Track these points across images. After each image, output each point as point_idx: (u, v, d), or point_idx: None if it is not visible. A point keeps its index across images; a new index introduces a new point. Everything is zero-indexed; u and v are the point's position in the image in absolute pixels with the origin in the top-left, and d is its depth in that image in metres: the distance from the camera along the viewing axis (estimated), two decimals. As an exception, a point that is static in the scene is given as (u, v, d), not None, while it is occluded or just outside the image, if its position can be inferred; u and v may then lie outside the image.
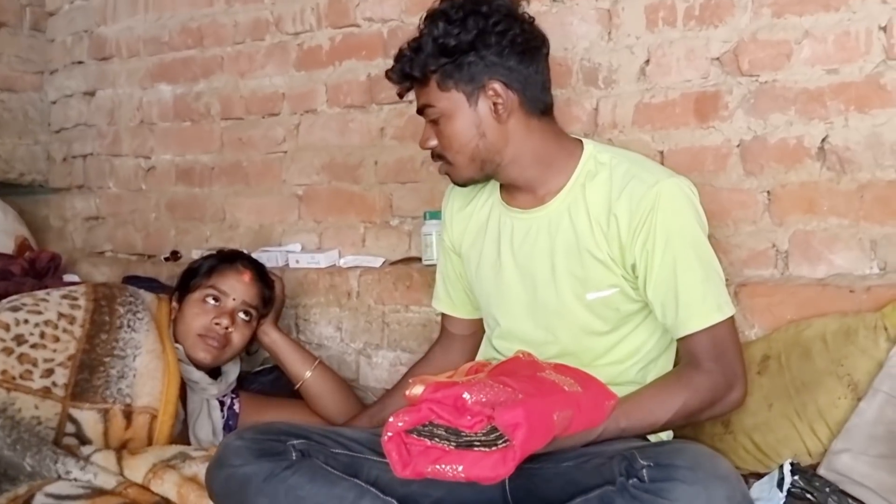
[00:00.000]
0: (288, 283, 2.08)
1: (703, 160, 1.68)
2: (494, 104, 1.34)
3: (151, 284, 2.19)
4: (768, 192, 1.63)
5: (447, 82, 1.33)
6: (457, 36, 1.31)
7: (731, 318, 1.32)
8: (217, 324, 1.69)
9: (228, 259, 1.79)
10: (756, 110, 1.63)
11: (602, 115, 1.79)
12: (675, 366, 1.42)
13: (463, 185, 1.43)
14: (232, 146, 2.40)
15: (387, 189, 2.13)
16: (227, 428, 1.72)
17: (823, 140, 1.57)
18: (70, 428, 1.48)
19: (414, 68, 1.34)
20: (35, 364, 1.51)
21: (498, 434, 1.01)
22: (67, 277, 2.42)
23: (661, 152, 1.73)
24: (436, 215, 1.97)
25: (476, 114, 1.34)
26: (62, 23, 2.78)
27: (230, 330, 1.70)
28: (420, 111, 1.40)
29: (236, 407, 1.77)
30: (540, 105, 1.38)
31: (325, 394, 1.79)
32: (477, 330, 1.62)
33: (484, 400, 1.01)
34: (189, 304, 1.73)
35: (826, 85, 1.56)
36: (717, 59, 1.66)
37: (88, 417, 1.50)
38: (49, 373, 1.51)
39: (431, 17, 1.34)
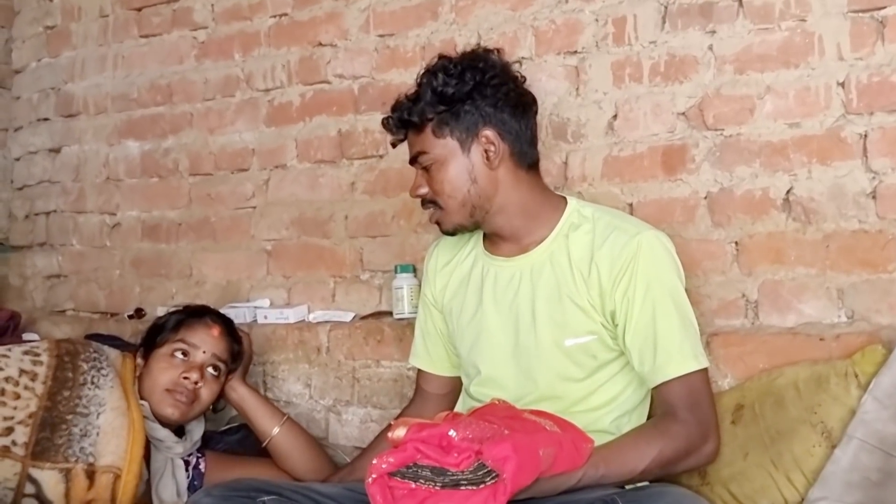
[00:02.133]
0: (256, 339, 2.05)
1: (672, 212, 1.71)
2: (486, 151, 1.39)
3: (114, 342, 2.13)
4: (736, 242, 1.65)
5: (443, 129, 1.39)
6: (455, 86, 1.38)
7: (706, 372, 1.35)
8: (186, 378, 1.65)
9: (197, 313, 1.77)
10: (722, 163, 1.66)
11: (571, 168, 1.82)
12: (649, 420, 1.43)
13: (452, 232, 1.46)
14: (200, 202, 2.38)
15: (357, 243, 2.12)
16: (192, 488, 1.67)
17: (788, 191, 1.61)
18: (30, 489, 1.42)
19: (412, 115, 1.40)
20: None
21: (486, 471, 0.99)
22: (27, 336, 2.35)
23: (631, 204, 1.75)
24: (407, 269, 1.97)
25: (469, 160, 1.40)
26: (28, 80, 2.77)
27: (199, 385, 1.67)
28: (413, 159, 1.44)
29: (202, 466, 1.72)
30: (528, 159, 1.44)
31: (293, 451, 1.75)
32: (453, 389, 1.62)
33: (471, 436, 1.01)
34: (156, 359, 1.69)
35: (789, 138, 1.61)
36: (683, 113, 1.70)
37: (49, 478, 1.44)
38: (8, 431, 1.46)
39: (430, 71, 1.42)
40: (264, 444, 1.76)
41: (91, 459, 1.48)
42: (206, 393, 1.69)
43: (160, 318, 1.82)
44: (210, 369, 1.70)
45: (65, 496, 1.44)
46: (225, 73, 2.33)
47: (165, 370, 1.66)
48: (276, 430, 1.74)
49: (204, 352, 1.69)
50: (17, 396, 1.51)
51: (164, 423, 1.66)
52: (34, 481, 1.43)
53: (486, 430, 1.06)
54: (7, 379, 1.53)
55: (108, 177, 2.56)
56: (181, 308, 1.83)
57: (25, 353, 1.61)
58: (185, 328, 1.72)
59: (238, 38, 2.31)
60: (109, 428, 1.53)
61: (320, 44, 2.17)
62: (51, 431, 1.49)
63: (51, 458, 1.46)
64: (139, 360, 1.73)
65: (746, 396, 1.51)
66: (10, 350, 1.62)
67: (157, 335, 1.74)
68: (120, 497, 1.48)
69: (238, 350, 1.77)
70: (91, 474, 1.47)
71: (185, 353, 1.68)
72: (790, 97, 1.60)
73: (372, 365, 1.96)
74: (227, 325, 1.78)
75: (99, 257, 2.58)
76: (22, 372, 1.55)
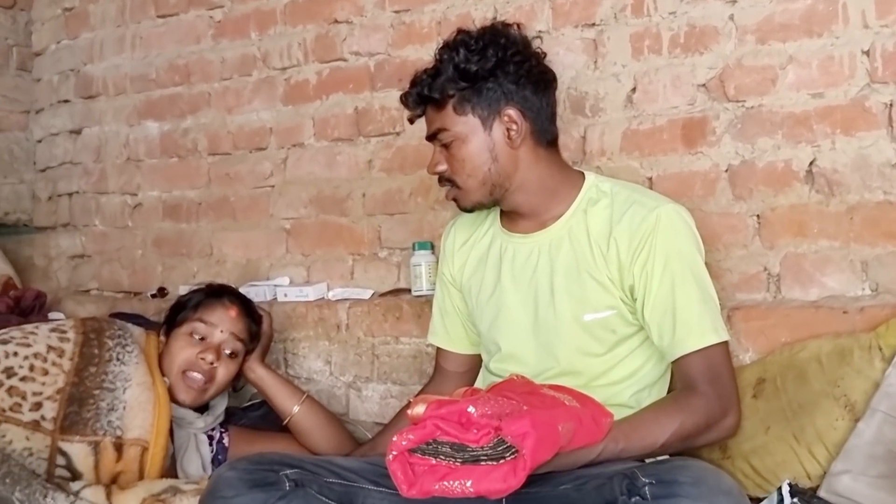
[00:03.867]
0: (276, 316, 2.06)
1: (692, 185, 1.69)
2: (508, 130, 1.38)
3: (138, 321, 2.15)
4: (758, 215, 1.63)
5: (464, 107, 1.37)
6: (477, 62, 1.35)
7: (726, 345, 1.34)
8: (202, 358, 1.67)
9: (216, 293, 1.78)
10: (743, 135, 1.64)
11: (590, 142, 1.80)
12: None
13: (470, 209, 1.45)
14: (219, 181, 2.39)
15: (375, 221, 2.12)
16: (216, 462, 1.70)
17: (811, 163, 1.59)
18: (61, 461, 1.46)
19: (433, 91, 1.38)
20: (24, 397, 1.49)
21: (505, 446, 0.99)
22: (52, 315, 2.38)
23: (650, 178, 1.73)
24: (424, 246, 1.97)
25: (490, 138, 1.38)
26: (48, 62, 2.79)
27: (215, 365, 1.68)
28: (431, 136, 1.43)
29: (225, 441, 1.74)
30: (548, 135, 1.42)
31: (314, 428, 1.76)
32: (472, 367, 1.62)
33: (490, 412, 1.01)
34: (175, 339, 1.71)
35: (812, 109, 1.58)
36: (703, 85, 1.68)
37: (79, 451, 1.48)
38: (38, 406, 1.49)
39: (450, 46, 1.39)
40: (285, 423, 1.77)
41: (119, 433, 1.51)
42: (223, 373, 1.70)
43: (182, 296, 1.84)
44: (227, 350, 1.71)
45: (94, 468, 1.47)
46: (242, 52, 2.33)
47: (182, 349, 1.68)
48: (295, 409, 1.75)
49: (221, 331, 1.71)
50: (46, 372, 1.54)
51: (180, 405, 1.68)
52: (64, 454, 1.46)
53: (505, 406, 1.05)
54: (36, 355, 1.55)
55: (128, 157, 2.58)
56: (202, 287, 1.84)
57: (52, 330, 1.64)
58: (203, 308, 1.73)
59: (254, 16, 2.30)
60: (136, 402, 1.55)
61: (336, 21, 2.16)
62: (79, 406, 1.51)
63: (80, 432, 1.49)
64: (161, 338, 1.75)
65: (768, 370, 1.50)
66: (37, 328, 1.65)
67: (177, 314, 1.75)
68: (148, 469, 1.51)
69: (256, 330, 1.78)
70: (119, 447, 1.50)
71: (202, 333, 1.70)
72: (813, 67, 1.58)
73: (391, 342, 1.97)
74: (246, 306, 1.79)
75: (121, 237, 2.60)
76: (50, 348, 1.58)
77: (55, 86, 2.76)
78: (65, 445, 1.47)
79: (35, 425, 1.47)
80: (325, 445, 1.75)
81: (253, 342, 1.77)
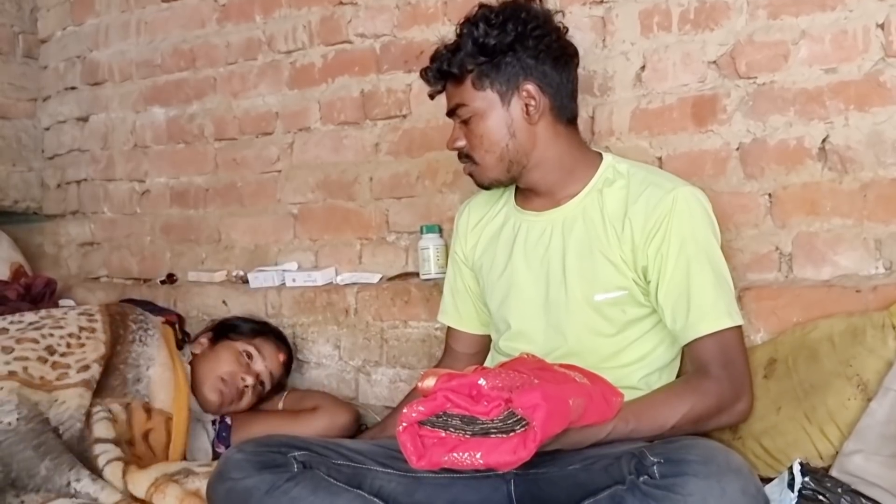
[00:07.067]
0: (285, 301, 2.08)
1: (703, 165, 1.67)
2: (526, 105, 1.37)
3: (148, 307, 2.16)
4: (770, 194, 1.61)
5: (483, 81, 1.36)
6: (496, 37, 1.35)
7: (740, 330, 1.33)
8: (242, 377, 1.78)
9: (275, 333, 1.95)
10: (755, 112, 1.62)
11: (598, 122, 1.78)
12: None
13: (487, 186, 1.45)
14: (226, 167, 2.38)
15: (382, 205, 2.11)
16: (220, 438, 1.74)
17: (824, 140, 1.56)
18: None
19: (452, 65, 1.37)
20: (69, 367, 1.56)
21: (516, 419, 0.99)
22: (63, 303, 2.38)
23: (660, 158, 1.71)
24: (432, 229, 1.96)
25: (508, 114, 1.37)
26: (55, 49, 2.78)
27: (248, 387, 1.79)
28: (451, 112, 1.42)
29: (228, 420, 1.79)
30: (567, 113, 1.41)
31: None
32: (482, 349, 1.62)
33: (500, 385, 1.00)
34: (225, 349, 1.82)
35: (825, 84, 1.55)
36: (714, 62, 1.65)
37: (114, 409, 1.56)
38: (85, 368, 1.57)
39: (471, 20, 1.38)
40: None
41: (146, 399, 1.61)
42: (245, 401, 1.81)
43: (242, 317, 1.98)
44: (261, 381, 1.84)
45: (127, 422, 1.56)
46: (247, 35, 2.31)
47: (230, 361, 1.79)
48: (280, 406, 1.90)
49: (266, 366, 1.84)
50: (83, 346, 1.61)
51: (204, 406, 1.76)
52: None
53: (516, 379, 1.05)
54: (70, 335, 1.63)
55: (135, 144, 2.57)
56: (262, 321, 2.00)
57: (80, 314, 1.72)
58: (261, 338, 1.87)
59: (258, -1, 2.29)
60: (159, 380, 1.64)
61: (341, 3, 2.14)
62: (106, 376, 1.60)
63: (110, 395, 1.58)
64: (202, 340, 1.84)
65: (779, 350, 1.49)
66: (66, 313, 1.73)
67: (231, 330, 1.88)
68: (174, 437, 1.59)
69: (284, 383, 1.94)
70: (148, 410, 1.60)
71: (249, 357, 1.83)
72: (826, 41, 1.55)
73: (400, 325, 1.96)
74: (289, 359, 1.95)
75: (130, 224, 2.60)
76: (81, 329, 1.65)
77: (61, 73, 2.75)
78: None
79: (85, 384, 1.54)
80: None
81: (274, 391, 1.89)
